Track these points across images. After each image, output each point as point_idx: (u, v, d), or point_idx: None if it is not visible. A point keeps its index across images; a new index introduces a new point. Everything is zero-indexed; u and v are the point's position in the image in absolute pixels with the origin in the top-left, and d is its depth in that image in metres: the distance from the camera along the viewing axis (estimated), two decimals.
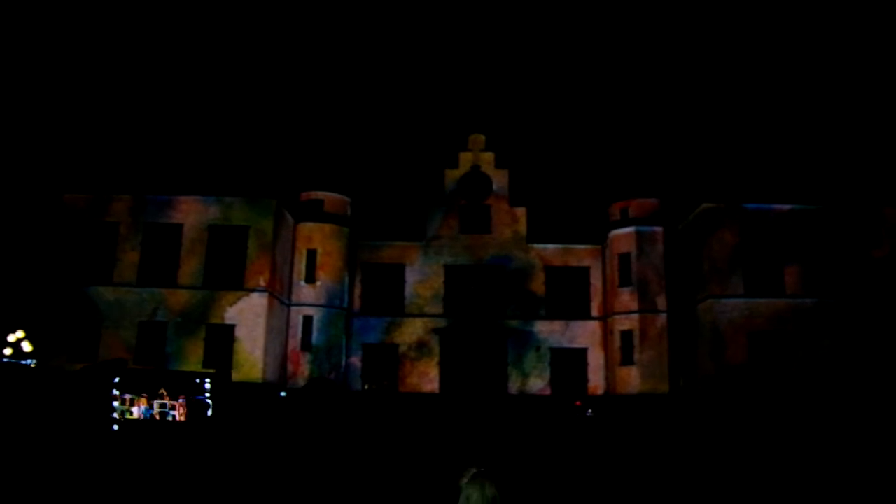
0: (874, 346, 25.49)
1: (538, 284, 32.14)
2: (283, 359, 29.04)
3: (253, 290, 26.89)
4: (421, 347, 31.37)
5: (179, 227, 27.49)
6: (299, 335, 29.44)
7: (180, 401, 9.30)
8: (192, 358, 26.19)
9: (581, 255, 32.46)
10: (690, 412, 24.74)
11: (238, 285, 26.99)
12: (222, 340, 26.51)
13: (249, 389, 24.86)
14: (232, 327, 26.58)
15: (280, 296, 28.60)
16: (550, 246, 32.50)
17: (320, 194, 30.93)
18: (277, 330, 28.34)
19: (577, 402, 28.67)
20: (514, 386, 30.93)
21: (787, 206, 27.11)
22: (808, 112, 34.39)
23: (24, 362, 26.71)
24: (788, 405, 22.98)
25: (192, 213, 27.65)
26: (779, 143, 31.21)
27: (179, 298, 26.86)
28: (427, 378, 31.04)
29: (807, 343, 25.77)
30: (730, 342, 26.01)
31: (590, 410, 27.54)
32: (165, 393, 9.35)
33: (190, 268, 27.17)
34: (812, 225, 26.93)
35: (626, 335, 29.77)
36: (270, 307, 27.19)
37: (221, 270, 27.21)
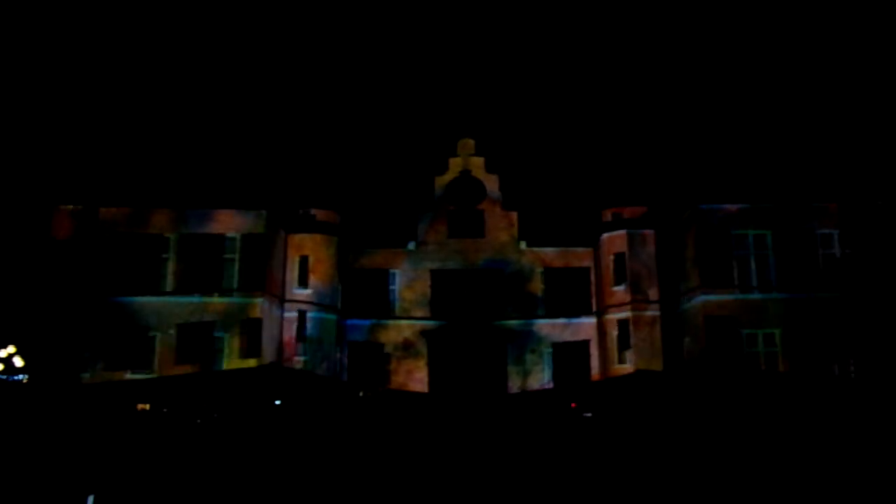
0: (861, 341, 25.64)
1: (533, 287, 32.22)
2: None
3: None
4: (408, 348, 31.47)
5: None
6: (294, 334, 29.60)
7: None
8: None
9: (575, 256, 32.74)
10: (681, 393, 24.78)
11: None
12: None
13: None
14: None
15: (273, 303, 28.79)
16: (544, 249, 32.64)
17: (311, 210, 31.20)
18: (271, 337, 28.51)
19: (573, 405, 28.66)
20: (513, 386, 31.05)
21: (779, 205, 27.41)
22: (795, 110, 34.62)
23: (15, 377, 26.59)
24: (770, 396, 23.00)
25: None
26: (765, 145, 31.47)
27: None
28: (419, 380, 31.11)
29: (801, 339, 26.00)
30: (722, 339, 26.21)
31: (585, 413, 27.44)
32: None
33: None
34: (806, 221, 27.17)
35: (621, 335, 29.91)
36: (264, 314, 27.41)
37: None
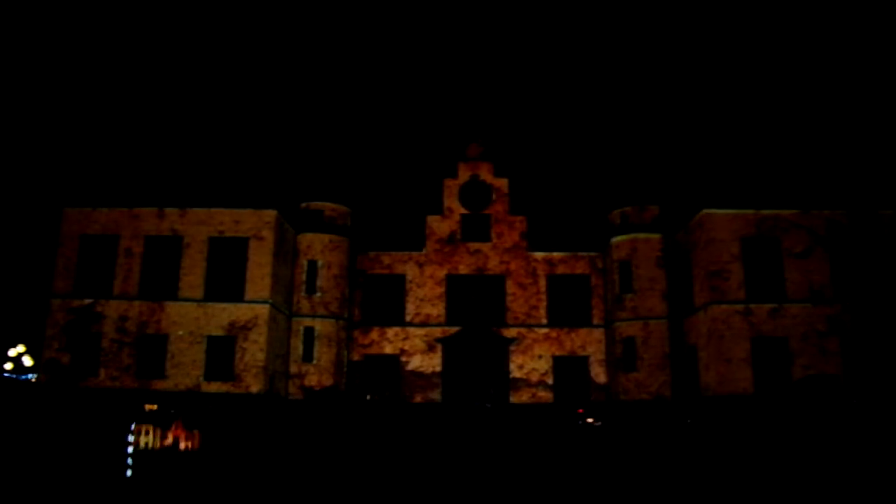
0: (879, 349, 25.45)
1: (539, 292, 32.15)
2: (286, 370, 29.00)
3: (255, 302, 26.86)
4: (423, 356, 31.34)
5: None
6: (301, 346, 29.46)
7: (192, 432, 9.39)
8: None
9: (582, 262, 32.50)
10: (692, 418, 24.67)
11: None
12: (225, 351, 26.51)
13: (253, 401, 24.79)
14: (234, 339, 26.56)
15: (281, 307, 28.59)
16: (551, 254, 32.54)
17: (320, 204, 30.97)
18: (279, 342, 28.31)
19: (580, 410, 28.58)
20: (515, 394, 30.90)
21: (786, 211, 27.13)
22: (804, 117, 34.53)
23: (24, 377, 26.70)
24: (791, 409, 22.92)
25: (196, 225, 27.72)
26: (776, 148, 31.34)
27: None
28: (430, 387, 30.99)
29: (810, 346, 25.80)
30: (730, 346, 26.03)
31: (590, 419, 27.38)
32: (181, 424, 9.39)
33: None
34: (813, 229, 26.95)
35: (629, 341, 29.75)
36: (272, 318, 27.17)
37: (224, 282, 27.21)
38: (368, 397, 30.73)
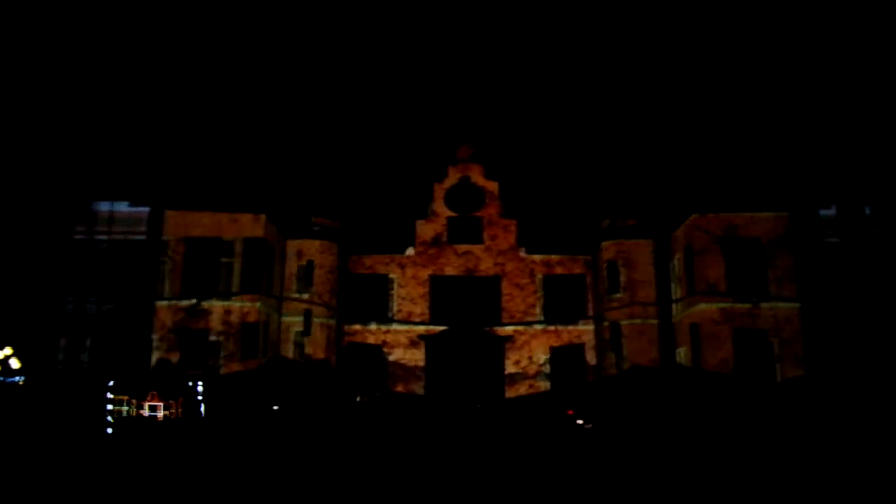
0: (855, 349, 25.68)
1: (536, 292, 32.27)
2: None
3: None
4: (405, 350, 31.59)
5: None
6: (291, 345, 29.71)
7: (173, 402, 9.45)
8: None
9: (576, 263, 32.87)
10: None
11: None
12: None
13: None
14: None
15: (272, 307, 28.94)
16: (549, 256, 32.88)
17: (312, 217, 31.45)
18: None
19: (570, 412, 28.70)
20: (512, 388, 31.20)
21: (767, 214, 27.44)
22: (784, 123, 34.79)
23: (11, 380, 26.46)
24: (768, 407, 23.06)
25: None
26: (761, 153, 31.58)
27: None
28: (413, 379, 31.21)
29: (784, 344, 26.15)
30: (714, 343, 26.26)
31: (580, 420, 27.49)
32: (156, 395, 9.44)
33: None
34: (792, 231, 27.29)
35: (620, 343, 29.93)
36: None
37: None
38: (359, 399, 30.74)
